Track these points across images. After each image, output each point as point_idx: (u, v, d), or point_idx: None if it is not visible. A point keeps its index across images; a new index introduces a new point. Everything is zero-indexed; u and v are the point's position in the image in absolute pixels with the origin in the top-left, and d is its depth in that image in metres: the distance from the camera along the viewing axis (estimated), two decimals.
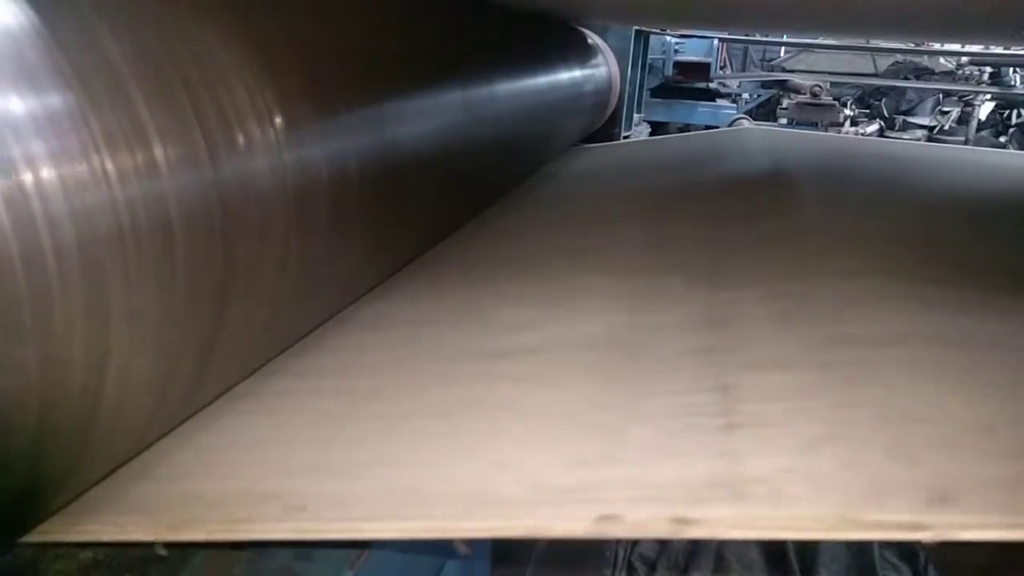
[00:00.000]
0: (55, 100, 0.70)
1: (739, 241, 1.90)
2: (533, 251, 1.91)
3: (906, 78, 6.65)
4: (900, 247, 1.81)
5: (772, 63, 7.18)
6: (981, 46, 5.78)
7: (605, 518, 0.75)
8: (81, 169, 0.71)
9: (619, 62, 3.98)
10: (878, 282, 1.47)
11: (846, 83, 6.86)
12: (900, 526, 0.73)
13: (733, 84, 6.70)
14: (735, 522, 0.75)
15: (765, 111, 6.96)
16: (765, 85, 6.95)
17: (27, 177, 0.66)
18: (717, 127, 5.43)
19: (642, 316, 1.39)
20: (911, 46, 6.16)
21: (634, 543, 2.05)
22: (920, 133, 6.49)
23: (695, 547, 2.03)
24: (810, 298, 1.40)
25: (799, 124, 6.08)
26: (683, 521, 0.74)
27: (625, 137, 4.33)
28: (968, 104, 6.60)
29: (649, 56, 4.90)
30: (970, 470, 0.81)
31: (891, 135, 6.43)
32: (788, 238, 1.89)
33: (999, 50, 5.53)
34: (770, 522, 0.75)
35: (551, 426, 0.98)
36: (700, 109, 5.83)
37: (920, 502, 0.75)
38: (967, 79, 6.51)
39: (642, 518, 0.76)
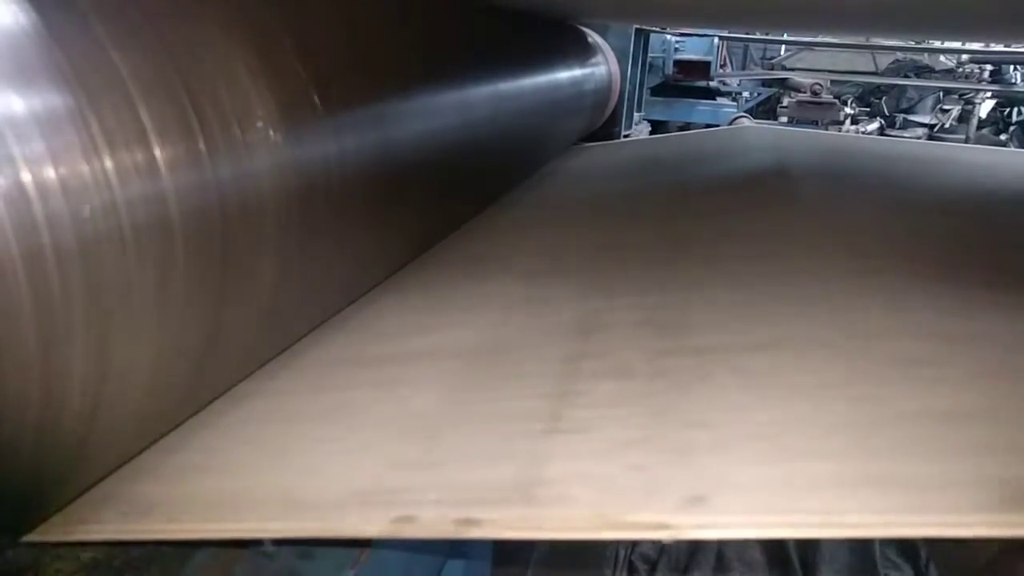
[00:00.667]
0: (55, 100, 0.70)
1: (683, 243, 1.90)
2: (496, 254, 1.91)
3: (906, 76, 6.66)
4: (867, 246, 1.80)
5: (772, 61, 7.19)
6: (981, 44, 5.78)
7: (400, 519, 0.80)
8: (81, 169, 0.71)
9: (619, 61, 3.98)
10: (805, 286, 1.46)
11: (846, 81, 6.87)
12: (649, 526, 0.77)
13: (733, 82, 6.70)
14: (515, 523, 0.79)
15: (765, 109, 6.97)
16: (765, 83, 6.95)
17: (27, 177, 0.65)
18: (717, 125, 5.43)
19: (530, 320, 1.41)
20: (911, 44, 6.16)
21: (635, 543, 2.05)
22: (920, 131, 6.49)
23: (696, 547, 2.03)
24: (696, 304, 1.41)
25: (799, 122, 6.08)
26: (468, 522, 0.78)
27: (625, 136, 4.33)
28: (969, 102, 6.61)
29: (649, 55, 4.90)
30: (730, 474, 0.84)
31: (891, 133, 6.43)
32: (762, 238, 1.89)
33: (999, 48, 5.53)
34: (544, 523, 0.79)
35: (380, 432, 1.01)
36: (700, 108, 5.83)
37: (678, 503, 0.79)
38: (967, 77, 6.51)
39: (432, 518, 0.80)
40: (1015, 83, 6.48)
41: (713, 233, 2.00)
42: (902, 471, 0.83)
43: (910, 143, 4.99)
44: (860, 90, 7.14)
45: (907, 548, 2.02)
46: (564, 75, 2.90)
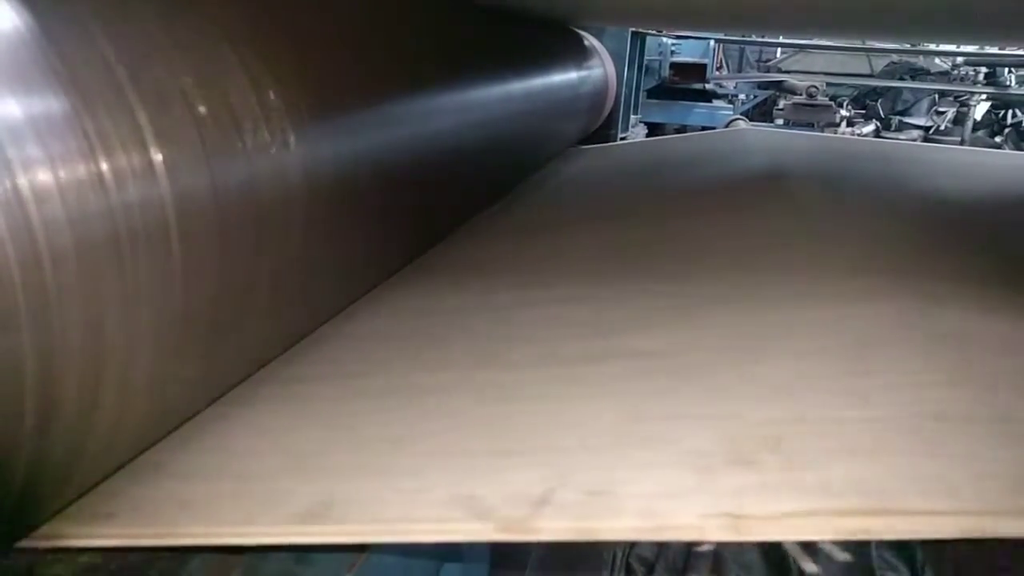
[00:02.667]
0: (51, 103, 0.70)
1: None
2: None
3: (902, 78, 6.68)
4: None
5: (768, 64, 7.20)
6: (976, 46, 5.79)
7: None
8: (78, 172, 0.70)
9: (615, 64, 3.99)
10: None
11: (842, 84, 6.88)
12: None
13: (729, 85, 6.72)
14: None
15: (761, 112, 6.97)
16: (761, 86, 6.97)
17: (24, 181, 0.65)
18: (714, 128, 5.44)
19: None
20: (907, 47, 6.18)
21: (632, 544, 2.04)
22: (916, 133, 6.50)
23: (692, 549, 2.03)
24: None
25: (795, 125, 6.09)
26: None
27: (622, 138, 4.34)
28: (964, 104, 6.62)
29: (645, 57, 4.91)
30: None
31: (887, 135, 6.45)
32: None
33: (994, 50, 5.54)
34: None
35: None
36: (696, 110, 5.85)
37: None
38: (963, 79, 6.53)
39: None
40: (1010, 85, 6.50)
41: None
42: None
43: (905, 145, 4.99)
44: (856, 92, 7.15)
45: (903, 550, 2.02)
46: (560, 78, 2.90)
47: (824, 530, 0.77)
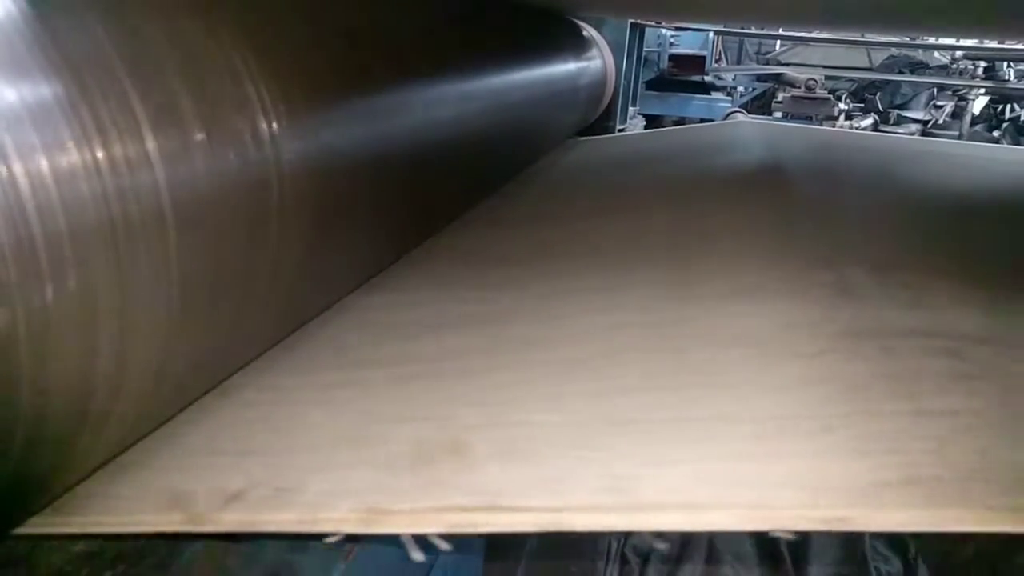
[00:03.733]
0: (46, 90, 0.70)
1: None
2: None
3: (900, 72, 6.68)
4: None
5: (767, 56, 7.20)
6: (975, 40, 5.79)
7: None
8: (73, 160, 0.70)
9: (614, 55, 3.98)
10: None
11: (841, 77, 6.87)
12: None
13: (728, 77, 6.70)
14: None
15: (760, 104, 6.96)
16: (760, 78, 6.95)
17: (18, 167, 0.65)
18: (712, 120, 5.43)
19: None
20: (906, 40, 6.17)
21: (627, 535, 2.05)
22: (914, 127, 6.50)
23: (687, 539, 2.04)
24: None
25: (794, 118, 6.08)
26: None
27: (620, 130, 4.33)
28: (962, 98, 6.62)
29: (644, 49, 4.90)
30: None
31: (885, 129, 6.44)
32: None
33: (993, 44, 5.54)
34: None
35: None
36: (695, 102, 5.84)
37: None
38: (961, 73, 6.53)
39: None
40: (1008, 80, 6.49)
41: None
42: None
43: (903, 139, 4.99)
44: (854, 86, 7.15)
45: (896, 541, 2.03)
46: (559, 68, 2.89)
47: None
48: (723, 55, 6.91)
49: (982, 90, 6.49)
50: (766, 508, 0.82)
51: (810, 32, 5.75)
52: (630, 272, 1.63)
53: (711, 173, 2.97)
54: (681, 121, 5.65)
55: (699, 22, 5.39)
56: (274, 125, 1.00)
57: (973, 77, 6.43)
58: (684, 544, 2.06)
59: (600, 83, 3.69)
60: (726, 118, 5.55)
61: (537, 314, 1.43)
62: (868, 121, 6.61)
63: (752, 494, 0.84)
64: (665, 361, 1.20)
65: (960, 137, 6.03)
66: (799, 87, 6.35)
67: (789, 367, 1.15)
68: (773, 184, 2.54)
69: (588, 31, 3.68)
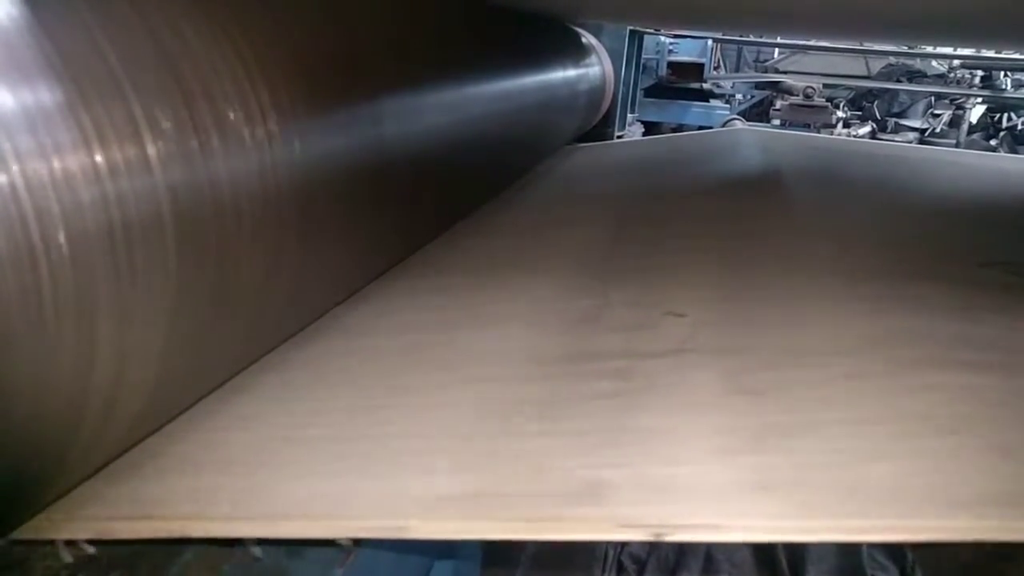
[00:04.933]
0: (46, 94, 0.70)
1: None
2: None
3: (898, 80, 6.70)
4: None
5: (766, 64, 7.21)
6: (973, 49, 5.81)
7: None
8: (72, 164, 0.70)
9: (613, 62, 3.99)
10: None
11: (839, 85, 6.89)
12: None
13: (726, 85, 6.72)
14: None
15: (758, 112, 6.98)
16: (758, 86, 6.98)
17: (17, 171, 0.65)
18: (710, 127, 5.45)
19: None
20: (904, 49, 6.20)
21: (624, 543, 2.05)
22: (911, 135, 6.52)
23: (684, 548, 2.04)
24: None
25: (792, 125, 6.10)
26: None
27: (619, 137, 4.34)
28: (959, 107, 6.65)
29: (643, 56, 4.91)
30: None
31: (883, 137, 6.46)
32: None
33: (991, 54, 5.56)
34: None
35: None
36: (693, 109, 5.85)
37: None
38: (959, 82, 6.55)
39: None
40: (1005, 89, 6.52)
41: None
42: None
43: (900, 147, 5.01)
44: (852, 94, 7.17)
45: (893, 550, 2.03)
46: (558, 75, 2.90)
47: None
48: (721, 63, 6.93)
49: (979, 99, 6.51)
50: None
51: (808, 40, 5.76)
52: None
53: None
54: (679, 128, 5.66)
55: (698, 29, 5.40)
56: (274, 129, 1.00)
57: (970, 86, 6.46)
58: (681, 552, 2.06)
59: (599, 90, 3.70)
60: (724, 125, 5.57)
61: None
62: (866, 129, 6.63)
63: None
64: None
65: (957, 145, 6.05)
66: (797, 95, 6.36)
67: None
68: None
69: (587, 38, 3.69)
